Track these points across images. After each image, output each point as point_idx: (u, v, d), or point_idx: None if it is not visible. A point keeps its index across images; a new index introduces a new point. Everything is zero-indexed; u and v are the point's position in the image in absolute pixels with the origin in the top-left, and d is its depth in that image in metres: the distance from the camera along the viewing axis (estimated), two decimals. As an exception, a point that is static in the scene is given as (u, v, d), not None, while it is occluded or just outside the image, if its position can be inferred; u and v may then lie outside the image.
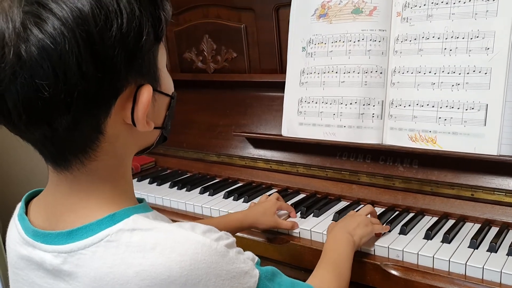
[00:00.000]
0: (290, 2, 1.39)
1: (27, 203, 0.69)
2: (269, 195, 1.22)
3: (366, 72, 1.25)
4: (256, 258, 0.67)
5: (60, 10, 0.52)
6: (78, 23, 0.52)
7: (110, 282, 0.57)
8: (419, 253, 0.98)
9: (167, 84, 0.67)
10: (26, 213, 0.67)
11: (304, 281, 0.77)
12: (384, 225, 1.08)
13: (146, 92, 0.59)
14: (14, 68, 0.52)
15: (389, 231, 1.08)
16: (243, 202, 1.33)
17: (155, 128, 0.65)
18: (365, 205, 1.23)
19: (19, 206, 0.69)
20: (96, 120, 0.57)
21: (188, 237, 0.58)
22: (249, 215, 1.12)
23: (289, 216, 1.20)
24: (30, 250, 0.63)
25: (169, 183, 1.53)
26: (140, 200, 0.69)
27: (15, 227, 0.66)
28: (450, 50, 1.13)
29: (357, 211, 1.10)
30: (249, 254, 0.66)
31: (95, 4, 0.53)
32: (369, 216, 1.07)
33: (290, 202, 1.28)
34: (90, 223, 0.60)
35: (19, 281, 0.66)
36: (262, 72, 1.58)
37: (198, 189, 1.45)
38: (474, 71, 1.10)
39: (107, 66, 0.54)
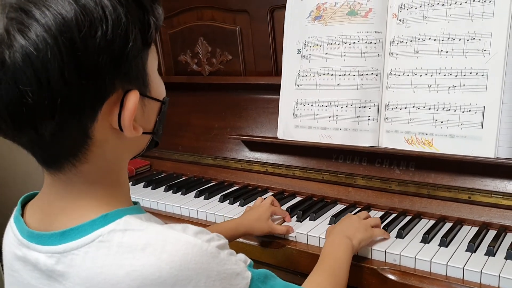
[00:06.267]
0: (285, 4, 1.38)
1: (23, 206, 0.69)
2: (264, 199, 1.21)
3: (362, 75, 1.24)
4: (249, 260, 0.67)
5: (43, 17, 0.51)
6: (61, 30, 0.51)
7: (101, 282, 0.57)
8: (416, 257, 0.97)
9: (158, 89, 0.66)
10: (22, 215, 0.67)
11: (300, 285, 0.76)
12: (382, 228, 1.07)
13: (133, 98, 0.59)
14: None
15: (386, 235, 1.07)
16: (238, 205, 1.32)
17: (145, 133, 0.64)
18: (361, 208, 1.23)
19: (16, 208, 0.69)
20: (82, 125, 0.57)
21: (179, 238, 0.59)
22: (243, 223, 1.11)
23: (284, 221, 1.19)
24: (25, 251, 0.63)
25: (164, 186, 1.51)
26: (135, 203, 0.69)
27: (10, 230, 0.67)
28: (447, 52, 1.12)
29: (354, 214, 1.09)
30: (241, 256, 0.66)
31: (79, 11, 0.52)
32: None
33: (286, 206, 1.27)
34: (83, 224, 0.60)
35: (14, 283, 0.66)
36: (258, 74, 1.57)
37: (194, 193, 1.43)
38: (470, 73, 1.09)
39: (91, 73, 0.54)
